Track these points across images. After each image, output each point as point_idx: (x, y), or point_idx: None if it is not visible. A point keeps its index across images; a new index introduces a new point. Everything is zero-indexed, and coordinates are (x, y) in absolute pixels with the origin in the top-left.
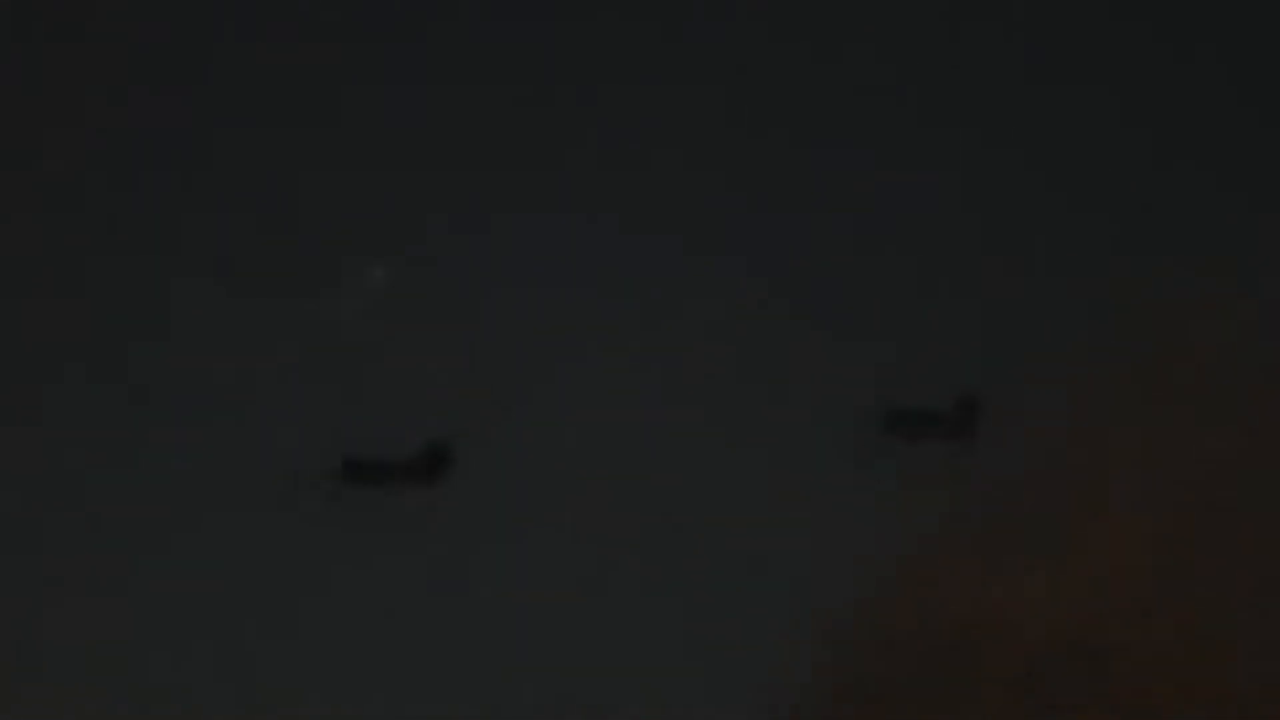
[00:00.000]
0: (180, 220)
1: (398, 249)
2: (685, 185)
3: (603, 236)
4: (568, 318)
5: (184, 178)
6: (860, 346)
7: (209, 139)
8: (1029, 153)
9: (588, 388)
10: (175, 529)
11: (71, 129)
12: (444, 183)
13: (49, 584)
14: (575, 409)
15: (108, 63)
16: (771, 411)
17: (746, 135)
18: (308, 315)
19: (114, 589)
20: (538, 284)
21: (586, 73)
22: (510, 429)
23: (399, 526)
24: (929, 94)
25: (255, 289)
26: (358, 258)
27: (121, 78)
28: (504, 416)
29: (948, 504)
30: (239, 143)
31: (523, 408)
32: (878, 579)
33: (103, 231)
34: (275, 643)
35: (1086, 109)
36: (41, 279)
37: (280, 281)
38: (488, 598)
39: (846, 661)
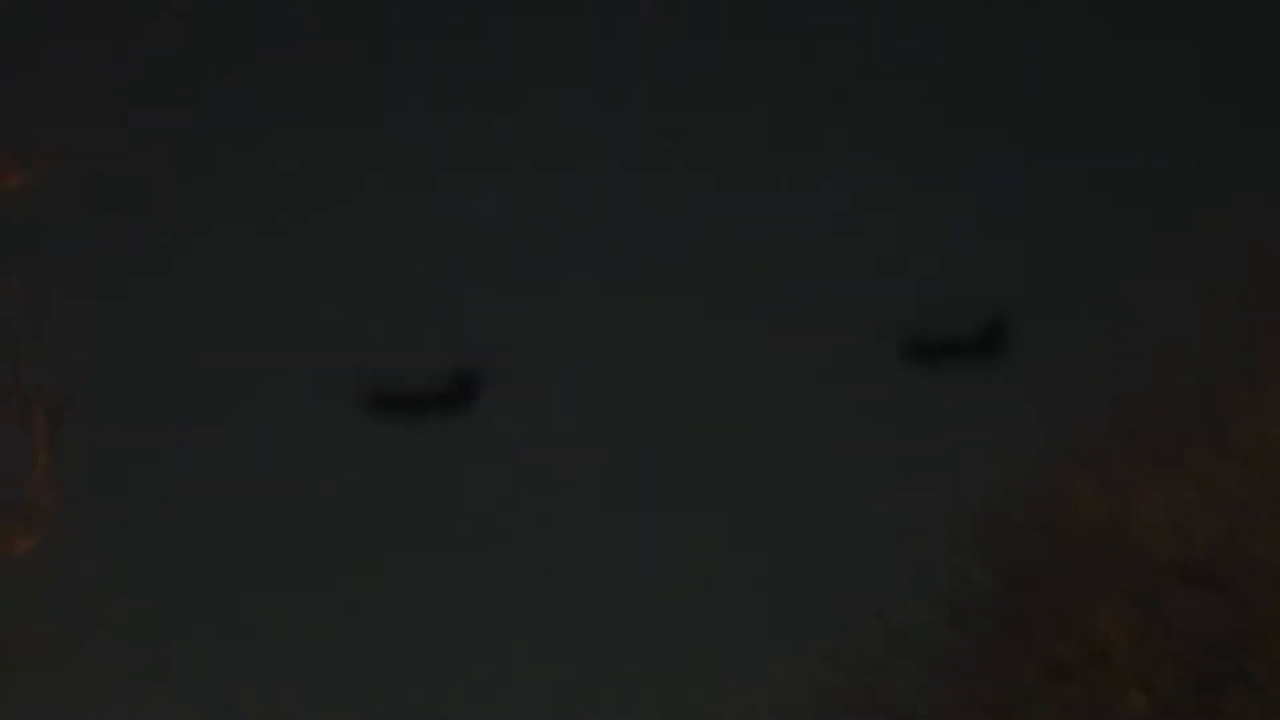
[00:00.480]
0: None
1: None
2: (720, 123)
3: (639, 173)
4: (598, 250)
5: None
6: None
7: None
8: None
9: (620, 316)
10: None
11: None
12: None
13: None
14: (608, 339)
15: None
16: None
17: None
18: (336, 251)
19: None
20: (570, 222)
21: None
22: (540, 361)
23: (427, 455)
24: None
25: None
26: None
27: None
28: (534, 348)
29: (1076, 422)
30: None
31: (553, 339)
32: (1009, 489)
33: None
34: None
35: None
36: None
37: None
38: (516, 524)
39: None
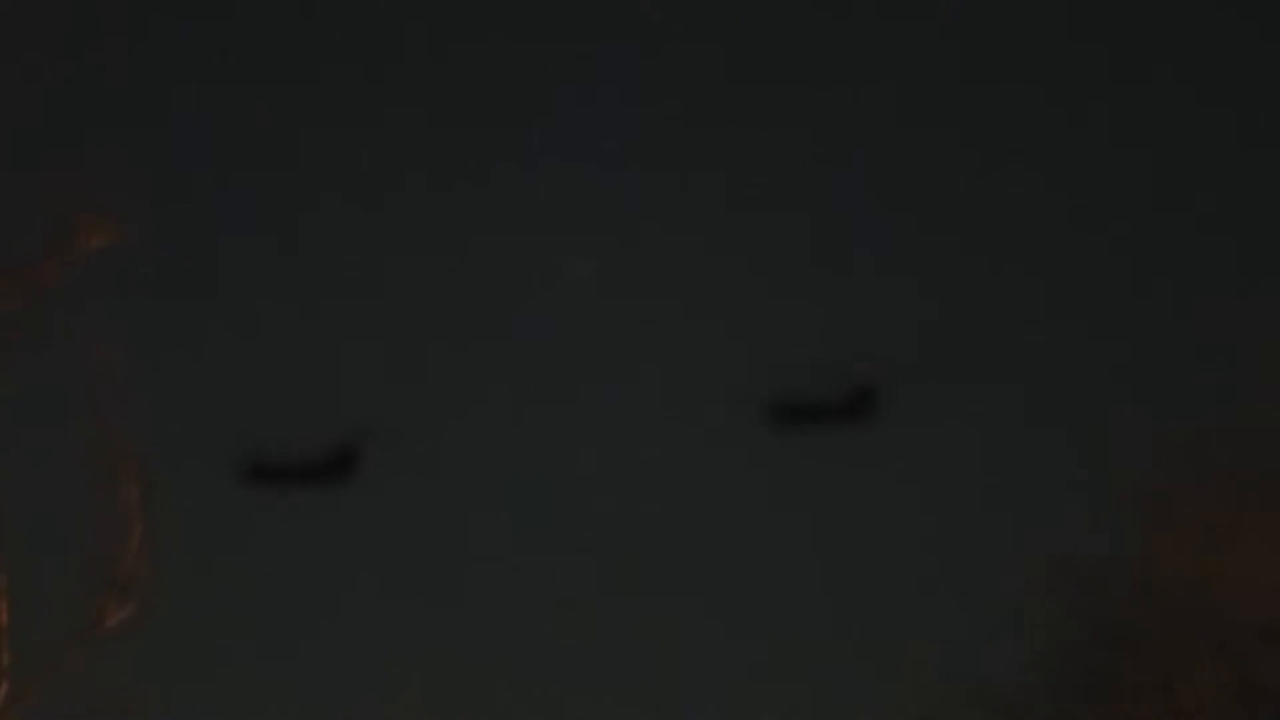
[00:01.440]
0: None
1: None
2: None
3: (519, 235)
4: (479, 320)
5: None
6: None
7: None
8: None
9: (502, 386)
10: None
11: None
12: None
13: None
14: (489, 407)
15: None
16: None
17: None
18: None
19: None
20: (447, 288)
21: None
22: (421, 427)
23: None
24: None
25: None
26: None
27: None
28: (415, 416)
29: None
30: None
31: (433, 407)
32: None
33: None
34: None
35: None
36: None
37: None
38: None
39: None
